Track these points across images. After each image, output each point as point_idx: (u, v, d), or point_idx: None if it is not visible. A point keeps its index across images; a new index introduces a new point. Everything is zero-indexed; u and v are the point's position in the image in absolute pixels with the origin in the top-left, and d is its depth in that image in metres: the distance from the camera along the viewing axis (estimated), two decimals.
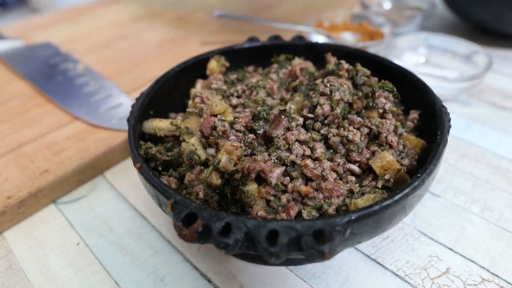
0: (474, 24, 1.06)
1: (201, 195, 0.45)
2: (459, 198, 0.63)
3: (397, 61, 0.79)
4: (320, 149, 0.48)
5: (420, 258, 0.54)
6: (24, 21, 1.19)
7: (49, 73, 0.88)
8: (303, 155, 0.48)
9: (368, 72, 0.57)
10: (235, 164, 0.45)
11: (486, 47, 1.04)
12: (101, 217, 0.62)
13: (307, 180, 0.46)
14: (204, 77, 0.65)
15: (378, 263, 0.54)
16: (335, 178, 0.47)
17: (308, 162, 0.46)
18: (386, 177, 0.47)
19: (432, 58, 0.94)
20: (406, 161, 0.50)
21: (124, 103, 0.79)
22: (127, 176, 0.69)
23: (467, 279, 0.52)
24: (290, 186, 0.45)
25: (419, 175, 0.42)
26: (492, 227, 0.58)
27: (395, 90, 0.55)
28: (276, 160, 0.47)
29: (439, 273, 0.52)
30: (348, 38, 1.01)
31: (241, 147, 0.46)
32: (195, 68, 0.65)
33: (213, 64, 0.65)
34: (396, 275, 0.52)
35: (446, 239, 0.57)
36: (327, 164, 0.47)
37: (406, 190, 0.41)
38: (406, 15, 1.09)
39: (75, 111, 0.77)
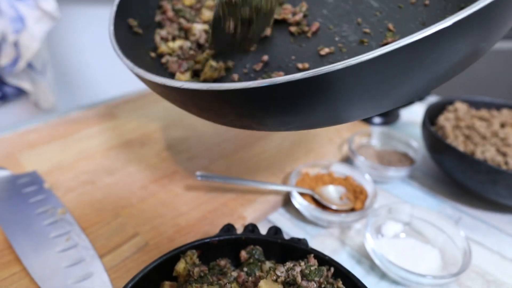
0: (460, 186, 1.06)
1: None
2: None
3: (376, 234, 0.78)
4: None
5: None
6: (14, 135, 1.19)
7: (25, 222, 0.86)
8: None
9: None
10: None
11: (471, 207, 1.04)
12: None
13: None
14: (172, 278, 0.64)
15: None
16: None
17: None
18: None
19: (415, 229, 0.93)
20: None
21: (94, 273, 0.76)
22: None
23: None
24: None
25: None
26: None
27: None
28: None
29: None
30: (332, 192, 1.01)
31: None
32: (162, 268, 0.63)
33: (181, 266, 0.63)
34: None
35: None
36: None
37: None
38: (391, 168, 1.10)
39: (41, 282, 0.74)
